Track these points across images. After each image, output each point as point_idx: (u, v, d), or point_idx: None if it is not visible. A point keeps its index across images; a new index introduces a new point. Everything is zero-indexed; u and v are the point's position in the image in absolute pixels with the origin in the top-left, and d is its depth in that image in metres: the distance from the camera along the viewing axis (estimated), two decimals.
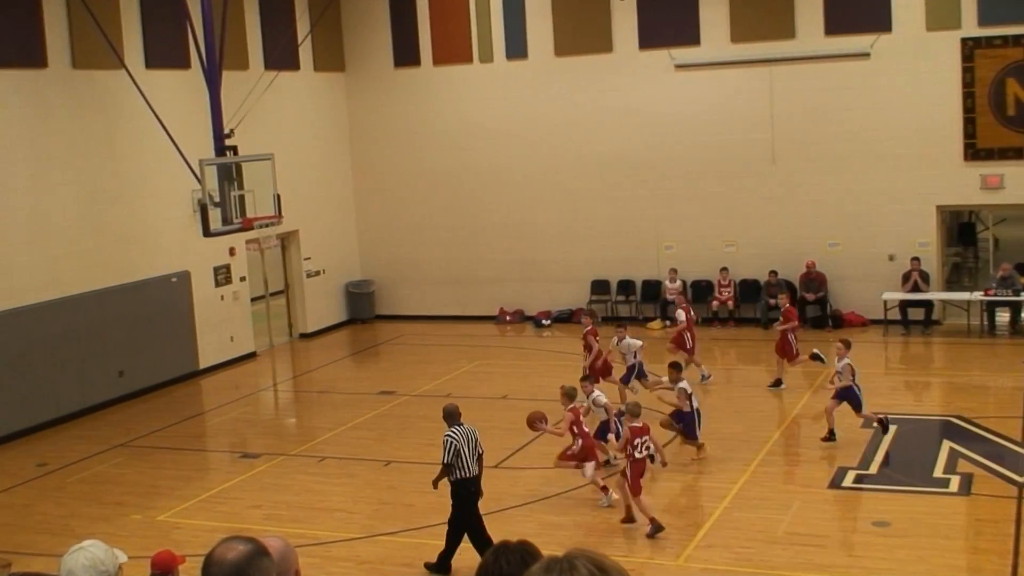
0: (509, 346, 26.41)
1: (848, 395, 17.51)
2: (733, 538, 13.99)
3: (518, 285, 29.12)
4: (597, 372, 19.88)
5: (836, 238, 26.31)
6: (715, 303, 27.01)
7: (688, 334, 21.87)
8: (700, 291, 27.50)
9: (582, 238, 28.37)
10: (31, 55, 21.21)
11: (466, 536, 13.55)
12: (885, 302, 25.46)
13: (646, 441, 14.71)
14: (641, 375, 20.07)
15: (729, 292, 27.00)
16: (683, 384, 17.28)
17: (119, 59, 21.54)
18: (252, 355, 26.75)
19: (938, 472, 16.14)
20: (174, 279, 24.30)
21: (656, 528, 14.14)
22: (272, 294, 28.76)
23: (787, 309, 21.56)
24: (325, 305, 29.53)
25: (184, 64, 24.05)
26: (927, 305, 25.48)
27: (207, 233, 20.51)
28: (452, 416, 13.82)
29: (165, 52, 23.94)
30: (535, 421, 15.65)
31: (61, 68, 21.81)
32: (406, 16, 29.29)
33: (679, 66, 26.91)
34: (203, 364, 25.07)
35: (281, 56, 26.02)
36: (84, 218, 22.26)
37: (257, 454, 19.05)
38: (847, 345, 17.77)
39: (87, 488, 17.66)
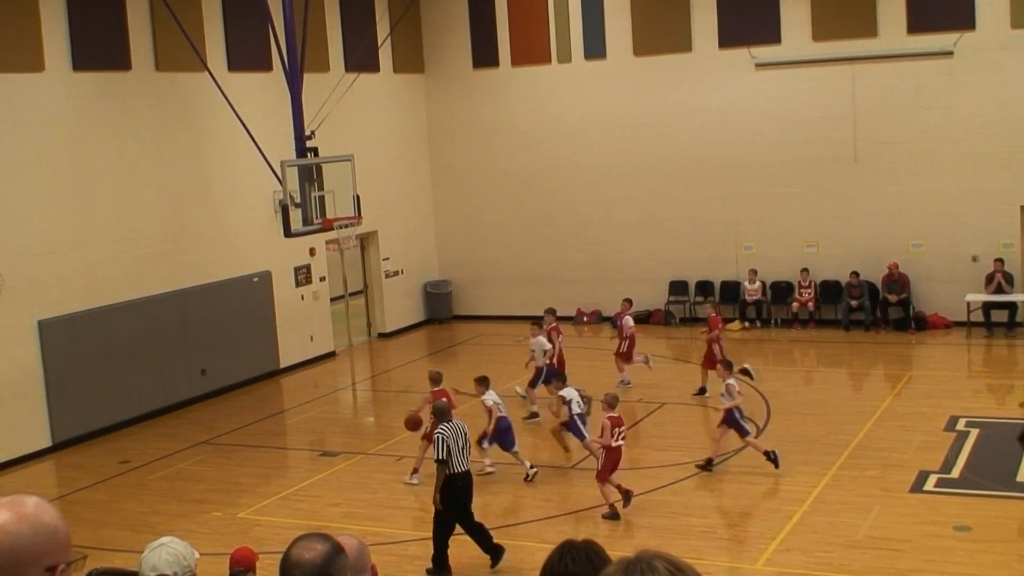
0: (586, 347, 26.36)
1: (730, 420, 16.85)
2: (812, 542, 13.87)
3: (595, 285, 29.07)
4: (558, 368, 20.54)
5: (919, 238, 25.96)
6: (795, 304, 26.77)
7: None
8: (780, 292, 27.26)
9: (660, 238, 28.26)
10: (115, 58, 21.55)
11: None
12: (968, 304, 25.09)
13: (623, 431, 15.35)
14: (548, 380, 20.08)
15: (810, 293, 26.73)
16: (490, 393, 17.31)
17: (202, 62, 21.82)
18: (331, 354, 26.97)
19: (1021, 477, 15.84)
20: (255, 279, 24.57)
21: (612, 514, 14.99)
22: (351, 294, 28.96)
23: (712, 318, 21.48)
24: (403, 305, 29.69)
25: (266, 66, 24.31)
26: (1011, 307, 25.06)
27: (288, 234, 20.70)
28: (442, 413, 14.38)
29: (247, 55, 24.22)
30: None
31: (144, 71, 22.13)
32: (485, 17, 29.36)
33: (759, 65, 26.72)
34: (283, 363, 25.31)
35: (361, 58, 26.19)
36: (167, 219, 22.58)
37: (336, 452, 19.21)
38: (727, 367, 17.19)
39: (168, 485, 17.91)
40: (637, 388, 21.85)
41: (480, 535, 13.75)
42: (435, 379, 17.23)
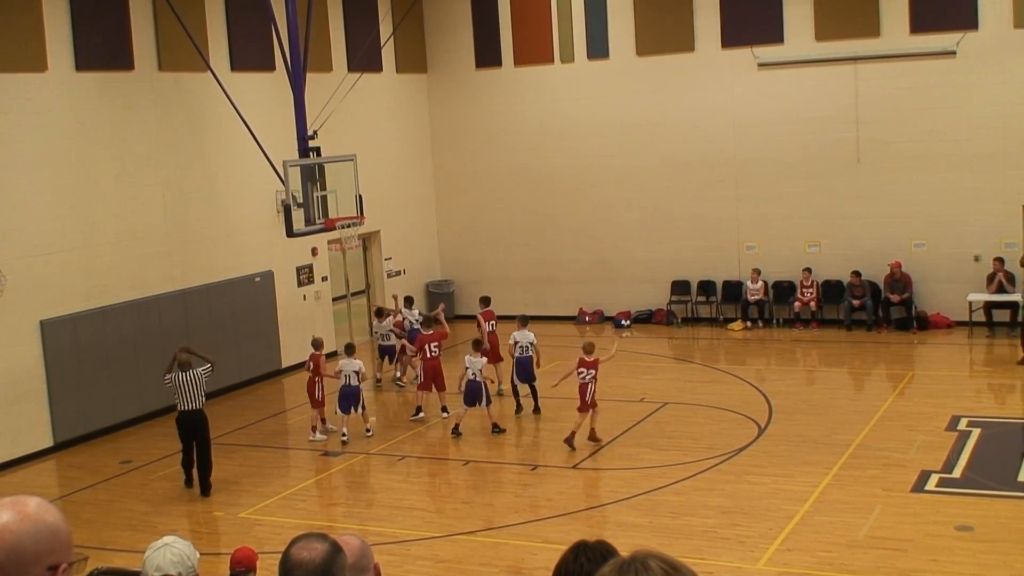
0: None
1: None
2: (814, 542, 13.87)
3: (598, 285, 29.09)
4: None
5: (921, 238, 25.96)
6: (797, 304, 26.75)
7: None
8: (782, 292, 27.25)
9: (663, 238, 28.27)
10: (118, 58, 21.57)
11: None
12: (970, 303, 25.08)
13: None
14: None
15: (812, 293, 26.70)
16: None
17: (205, 62, 21.83)
18: (334, 354, 26.94)
19: (1023, 476, 15.88)
20: (258, 279, 24.58)
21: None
22: (353, 294, 28.89)
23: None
24: None
25: (269, 66, 24.32)
26: (1013, 306, 25.04)
27: (290, 234, 20.73)
28: (183, 364, 17.33)
29: (250, 55, 24.23)
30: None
31: (148, 71, 22.15)
32: (488, 17, 29.37)
33: (762, 65, 26.72)
34: (285, 363, 25.30)
35: (364, 58, 26.19)
36: (170, 218, 22.59)
37: (338, 452, 19.23)
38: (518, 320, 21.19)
39: (170, 485, 17.91)
40: (639, 388, 21.86)
41: (195, 469, 17.31)
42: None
